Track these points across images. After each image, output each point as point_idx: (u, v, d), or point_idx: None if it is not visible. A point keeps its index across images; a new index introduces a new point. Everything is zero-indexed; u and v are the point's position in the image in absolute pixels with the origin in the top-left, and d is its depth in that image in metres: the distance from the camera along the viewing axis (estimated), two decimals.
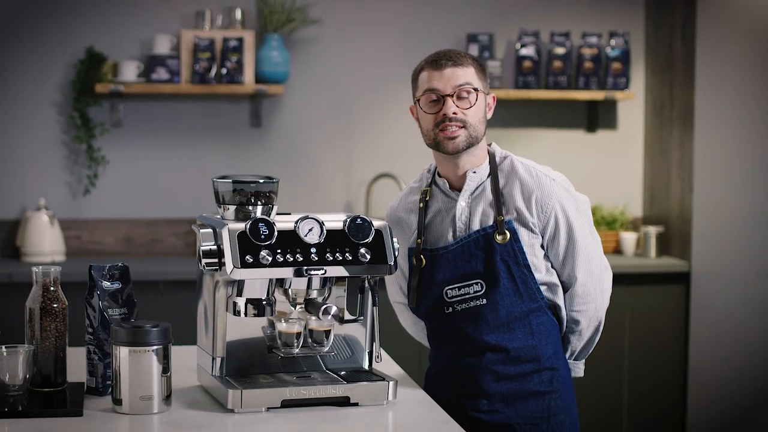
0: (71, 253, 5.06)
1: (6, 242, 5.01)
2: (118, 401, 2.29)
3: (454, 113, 2.51)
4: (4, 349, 2.33)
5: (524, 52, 5.20)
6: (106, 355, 2.42)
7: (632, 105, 5.47)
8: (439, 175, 2.65)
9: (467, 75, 2.52)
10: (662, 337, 5.01)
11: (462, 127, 2.52)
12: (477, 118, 2.54)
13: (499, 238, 2.52)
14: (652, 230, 5.17)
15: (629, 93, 5.25)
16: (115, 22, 5.07)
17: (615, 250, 5.31)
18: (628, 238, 5.22)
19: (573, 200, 2.59)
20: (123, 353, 2.27)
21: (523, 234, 2.54)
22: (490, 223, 2.55)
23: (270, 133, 5.22)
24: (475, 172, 2.58)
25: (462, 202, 2.59)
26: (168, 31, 5.08)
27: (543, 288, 2.56)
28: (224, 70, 4.94)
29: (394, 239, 2.40)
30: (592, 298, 2.59)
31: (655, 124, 5.38)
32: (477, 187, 2.59)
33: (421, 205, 2.64)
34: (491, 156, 2.62)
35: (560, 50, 5.22)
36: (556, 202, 2.55)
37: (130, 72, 4.94)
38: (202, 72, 4.93)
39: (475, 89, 2.53)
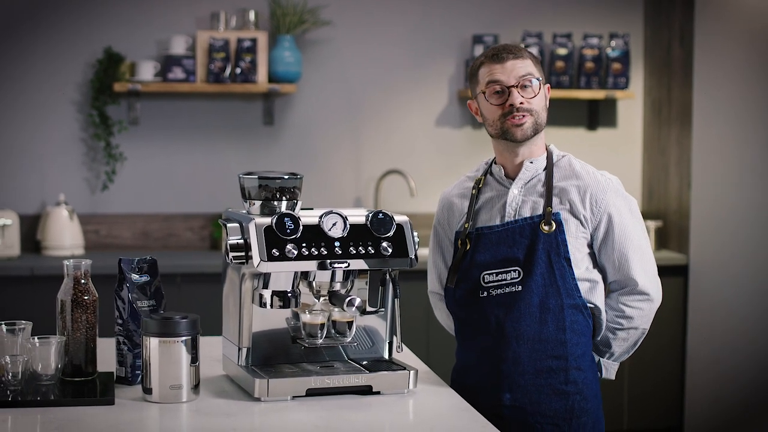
0: (90, 247, 5.13)
1: (27, 236, 5.08)
2: (148, 390, 2.31)
3: (521, 103, 2.53)
4: (36, 339, 2.36)
5: None
6: (135, 345, 2.44)
7: (632, 104, 5.53)
8: (495, 163, 2.66)
9: (527, 66, 2.54)
10: (661, 328, 4.98)
11: (529, 115, 2.54)
12: (541, 105, 2.56)
13: (545, 228, 2.51)
14: (651, 224, 5.22)
15: (629, 92, 5.32)
16: (132, 23, 5.14)
17: None
18: None
19: (627, 202, 2.58)
20: (153, 344, 2.29)
21: (571, 226, 2.53)
22: (540, 209, 2.54)
23: (282, 131, 5.29)
24: (532, 162, 2.59)
25: (515, 190, 2.59)
26: (184, 32, 5.14)
27: (584, 285, 2.54)
28: (238, 70, 5.00)
29: (415, 233, 2.43)
30: (647, 297, 2.57)
31: (653, 122, 5.45)
32: (532, 178, 2.59)
33: (474, 191, 2.65)
34: (549, 153, 2.62)
35: (562, 51, 5.29)
36: (611, 200, 2.54)
37: (147, 71, 5.00)
38: (216, 71, 4.99)
39: (537, 79, 2.55)
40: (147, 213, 5.24)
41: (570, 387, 2.54)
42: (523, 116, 2.54)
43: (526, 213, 2.56)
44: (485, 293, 2.56)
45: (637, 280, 2.56)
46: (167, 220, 5.25)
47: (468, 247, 2.60)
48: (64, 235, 4.97)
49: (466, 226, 2.62)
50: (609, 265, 2.57)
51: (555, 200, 2.55)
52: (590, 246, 2.57)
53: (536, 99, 2.55)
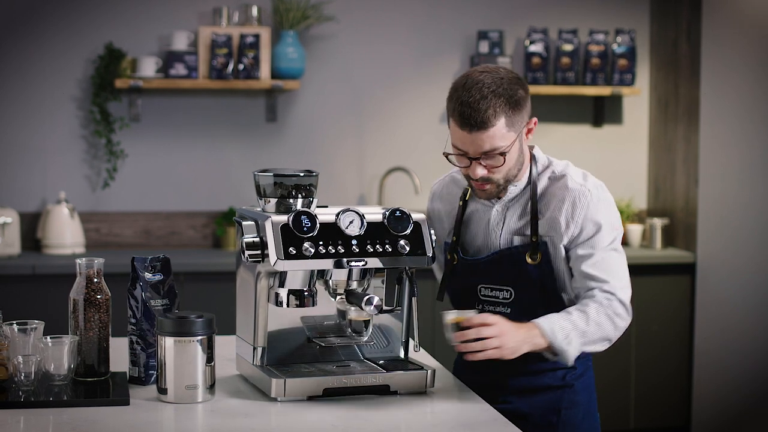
0: (91, 246, 5.11)
1: (27, 235, 5.06)
2: (163, 390, 2.30)
3: (482, 175, 2.45)
4: (49, 339, 2.34)
5: (533, 48, 5.29)
6: (149, 345, 2.43)
7: (638, 100, 5.54)
8: None
9: (494, 138, 2.39)
10: (668, 326, 5.07)
11: (491, 183, 2.47)
12: (506, 169, 2.46)
13: (530, 260, 2.47)
14: (658, 222, 5.22)
15: (635, 89, 5.33)
16: (133, 18, 5.12)
17: (621, 241, 5.39)
18: (634, 230, 5.30)
19: (607, 213, 2.51)
20: (168, 343, 2.28)
21: (560, 250, 2.47)
22: (524, 232, 2.50)
23: (285, 128, 5.27)
24: (515, 185, 2.53)
25: (498, 207, 2.55)
26: (186, 27, 5.13)
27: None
28: (241, 66, 4.98)
29: (432, 230, 2.42)
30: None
31: (659, 119, 5.45)
32: (515, 196, 2.54)
33: (461, 203, 2.62)
34: (533, 162, 2.54)
35: (568, 47, 5.29)
36: (589, 214, 2.47)
37: (148, 68, 4.98)
38: (219, 68, 4.97)
39: (502, 153, 2.41)
40: (148, 211, 5.22)
41: (558, 382, 2.55)
42: (485, 184, 2.47)
43: (508, 235, 2.53)
44: (480, 306, 2.55)
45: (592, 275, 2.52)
46: (169, 218, 5.23)
47: (455, 262, 2.59)
48: (65, 234, 4.95)
49: (453, 238, 2.61)
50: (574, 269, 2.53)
51: (542, 224, 2.49)
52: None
53: (502, 167, 2.44)
